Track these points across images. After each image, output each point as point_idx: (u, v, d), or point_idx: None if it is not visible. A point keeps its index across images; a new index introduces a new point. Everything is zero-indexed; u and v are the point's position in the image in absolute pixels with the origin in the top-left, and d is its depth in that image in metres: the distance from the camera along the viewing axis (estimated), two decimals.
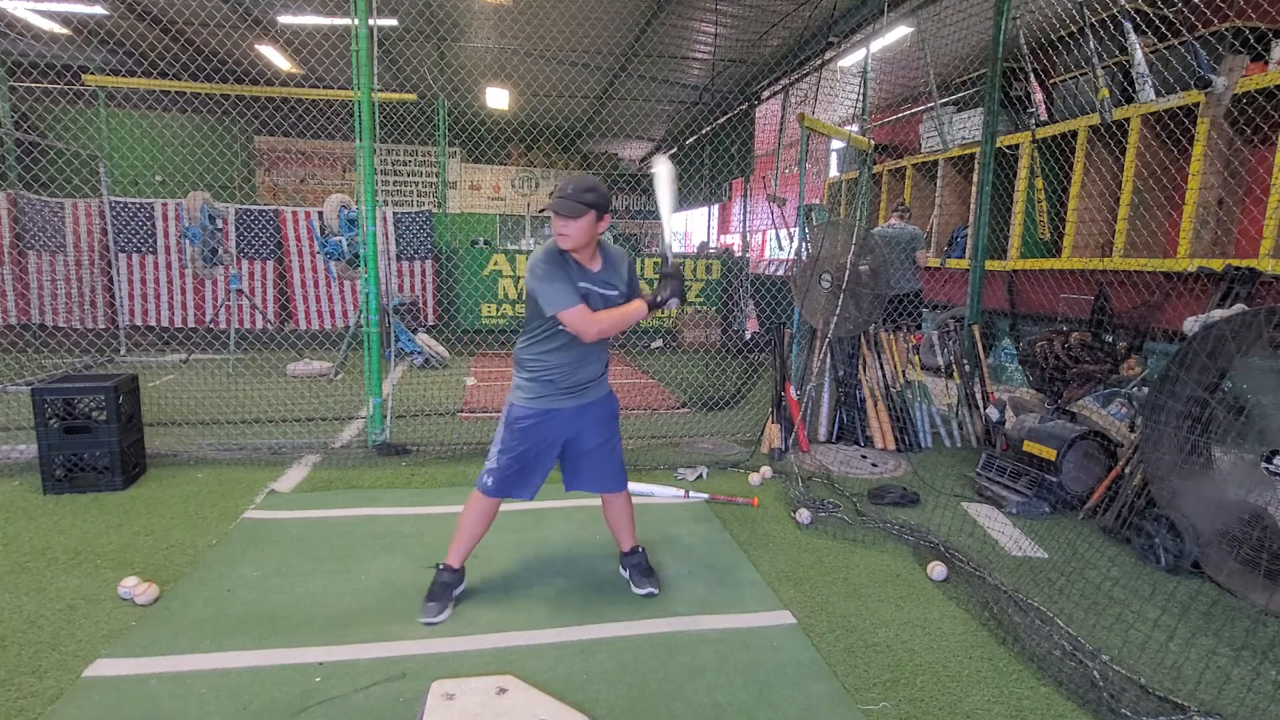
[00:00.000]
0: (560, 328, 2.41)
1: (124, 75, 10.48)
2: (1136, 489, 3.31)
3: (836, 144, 9.36)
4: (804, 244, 5.19)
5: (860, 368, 4.96)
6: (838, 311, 4.66)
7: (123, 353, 7.96)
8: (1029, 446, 3.87)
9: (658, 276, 2.60)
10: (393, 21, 8.49)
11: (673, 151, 15.52)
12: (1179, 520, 2.99)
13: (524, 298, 2.54)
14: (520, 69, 10.42)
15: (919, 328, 5.89)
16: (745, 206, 10.78)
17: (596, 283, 2.44)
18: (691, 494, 3.78)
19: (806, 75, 8.79)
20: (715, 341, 9.26)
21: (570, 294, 2.33)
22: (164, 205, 8.56)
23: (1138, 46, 3.67)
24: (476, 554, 2.93)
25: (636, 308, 2.42)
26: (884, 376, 4.96)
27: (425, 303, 9.37)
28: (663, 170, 2.54)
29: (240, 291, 7.88)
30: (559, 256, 2.37)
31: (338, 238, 6.94)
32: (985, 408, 4.88)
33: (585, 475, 2.65)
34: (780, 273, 10.10)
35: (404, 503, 3.61)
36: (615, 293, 2.48)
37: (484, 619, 2.51)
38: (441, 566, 2.59)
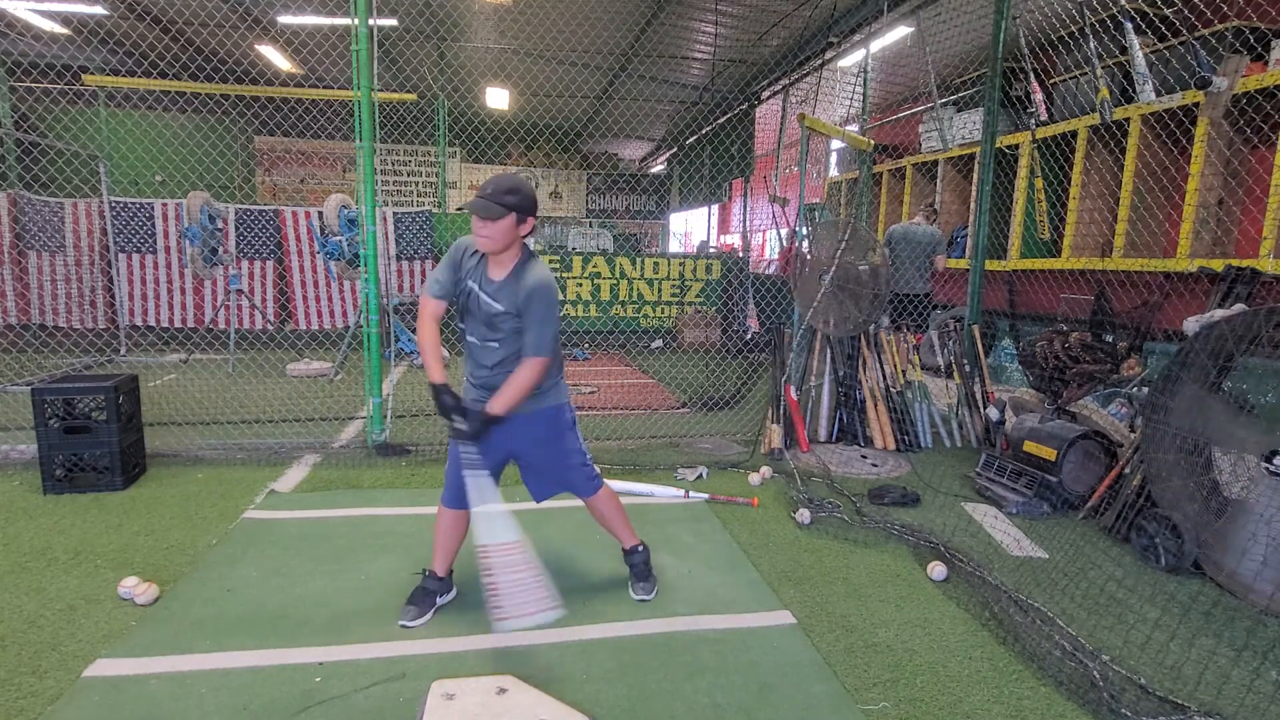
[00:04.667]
0: (460, 323, 2.42)
1: (124, 75, 10.48)
2: (1136, 489, 3.31)
3: (836, 144, 9.36)
4: (804, 243, 5.19)
5: (860, 368, 4.96)
6: (839, 312, 4.66)
7: (123, 353, 7.96)
8: (1029, 446, 3.87)
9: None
10: (393, 21, 8.50)
11: (673, 151, 15.54)
12: (1179, 520, 2.99)
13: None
14: (520, 69, 10.42)
15: (920, 328, 5.89)
16: (746, 206, 10.78)
17: (487, 290, 2.32)
18: (691, 494, 3.78)
19: (806, 75, 8.80)
20: (715, 341, 9.26)
21: (433, 282, 2.35)
22: (164, 205, 8.56)
23: (1138, 46, 3.67)
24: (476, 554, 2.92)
25: (433, 378, 2.29)
26: (884, 376, 4.96)
27: None
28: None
29: (240, 291, 7.88)
30: (461, 249, 2.37)
31: (338, 238, 6.94)
32: (985, 408, 4.88)
33: (549, 485, 2.62)
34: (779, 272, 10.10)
35: (404, 503, 3.61)
36: (499, 309, 2.31)
37: (484, 619, 2.50)
38: (428, 573, 2.58)
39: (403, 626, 2.44)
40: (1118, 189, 5.93)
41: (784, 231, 10.44)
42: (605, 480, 2.72)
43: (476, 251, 2.34)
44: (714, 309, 9.76)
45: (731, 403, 5.97)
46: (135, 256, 8.56)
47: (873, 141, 5.86)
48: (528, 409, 2.42)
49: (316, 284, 9.08)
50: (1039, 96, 4.85)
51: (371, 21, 4.10)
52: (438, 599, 2.56)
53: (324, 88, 10.31)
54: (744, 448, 4.73)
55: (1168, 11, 4.67)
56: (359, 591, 2.68)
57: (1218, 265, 4.45)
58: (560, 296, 2.45)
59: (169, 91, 9.95)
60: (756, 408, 5.72)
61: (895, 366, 5.02)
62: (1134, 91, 3.85)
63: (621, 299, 9.58)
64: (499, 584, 2.18)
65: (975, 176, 7.09)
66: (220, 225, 7.52)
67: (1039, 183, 5.52)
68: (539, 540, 3.18)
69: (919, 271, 5.96)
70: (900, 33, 7.53)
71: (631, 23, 8.43)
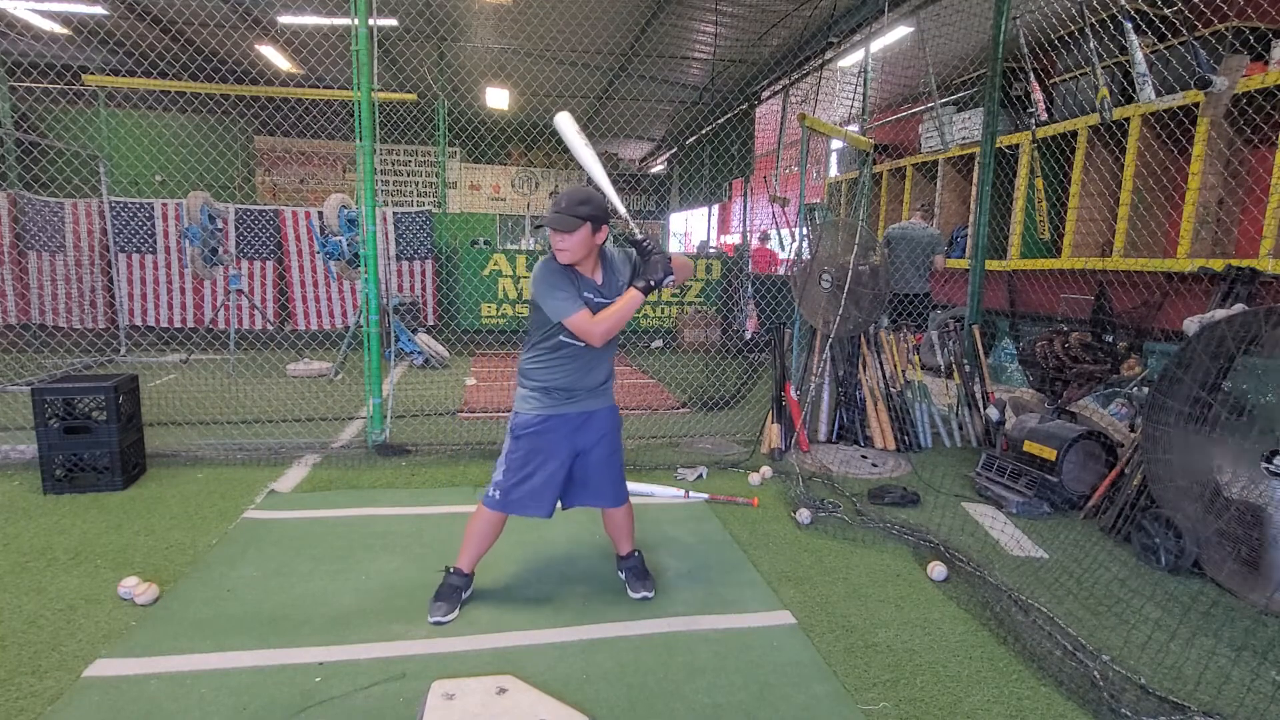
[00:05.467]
0: (563, 336, 2.41)
1: (124, 75, 10.48)
2: (1137, 489, 3.31)
3: (836, 144, 9.36)
4: (805, 243, 5.19)
5: (860, 368, 4.96)
6: (839, 312, 4.66)
7: (123, 353, 7.96)
8: (1029, 446, 3.87)
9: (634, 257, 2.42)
10: (393, 21, 8.49)
11: (673, 151, 15.54)
12: (1179, 520, 2.99)
13: (524, 298, 2.51)
14: (520, 69, 10.42)
15: (920, 328, 5.89)
16: (746, 206, 10.78)
17: (597, 293, 2.42)
18: (691, 494, 3.78)
19: (806, 75, 8.79)
20: (715, 341, 9.26)
21: (574, 300, 2.33)
22: (164, 205, 8.56)
23: (1138, 46, 3.67)
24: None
25: (632, 297, 2.36)
26: (884, 376, 4.96)
27: (425, 303, 9.37)
28: (563, 123, 2.46)
29: (240, 291, 7.87)
30: (561, 266, 2.37)
31: (338, 238, 6.94)
32: (985, 408, 4.88)
33: (590, 489, 2.62)
34: (781, 271, 10.11)
35: (403, 503, 3.61)
36: None
37: (484, 619, 2.51)
38: (452, 570, 2.59)
39: (433, 624, 2.44)
40: (1118, 189, 5.93)
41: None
42: None
43: (568, 265, 2.38)
44: (714, 309, 9.76)
45: (731, 403, 5.97)
46: (135, 256, 8.56)
47: (873, 141, 5.85)
48: (603, 403, 2.58)
49: (316, 284, 9.08)
50: (1039, 96, 4.85)
51: (371, 21, 4.10)
52: (463, 595, 2.58)
53: (324, 88, 10.31)
54: (744, 448, 4.73)
55: (1168, 11, 4.66)
56: (359, 591, 2.68)
57: (1218, 265, 4.45)
58: None
59: (169, 91, 9.92)
60: (756, 408, 5.72)
61: (895, 366, 5.02)
62: (1134, 91, 3.85)
63: None
64: None
65: (975, 176, 7.09)
66: (220, 225, 7.51)
67: (1039, 183, 5.53)
68: (539, 540, 3.19)
69: (918, 271, 5.96)
70: (900, 33, 7.52)
71: (631, 23, 8.42)
